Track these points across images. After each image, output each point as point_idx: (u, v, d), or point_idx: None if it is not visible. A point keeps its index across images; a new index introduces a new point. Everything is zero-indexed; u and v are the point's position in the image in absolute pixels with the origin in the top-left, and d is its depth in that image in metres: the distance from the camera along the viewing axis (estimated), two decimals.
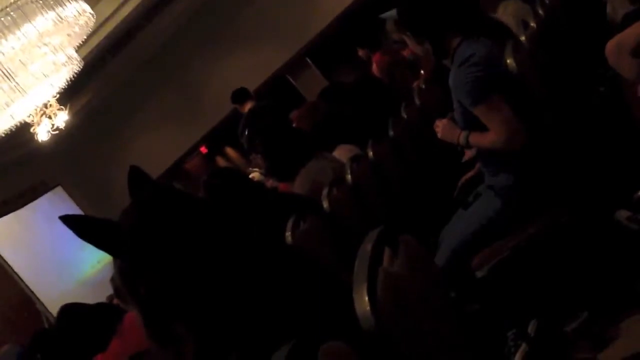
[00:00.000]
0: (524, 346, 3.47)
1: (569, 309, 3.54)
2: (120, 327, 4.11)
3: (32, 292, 10.66)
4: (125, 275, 2.08)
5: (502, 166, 3.62)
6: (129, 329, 4.05)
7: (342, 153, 5.36)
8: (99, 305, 4.56)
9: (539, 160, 3.56)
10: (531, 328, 3.53)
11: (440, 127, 3.87)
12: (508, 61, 3.61)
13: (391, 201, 4.54)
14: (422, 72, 7.40)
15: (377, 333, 1.65)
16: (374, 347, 1.64)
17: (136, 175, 2.20)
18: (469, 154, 4.34)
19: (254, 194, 4.19)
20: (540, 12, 4.78)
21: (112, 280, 3.74)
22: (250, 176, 6.85)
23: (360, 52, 9.12)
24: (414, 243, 2.04)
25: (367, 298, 1.68)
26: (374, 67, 8.58)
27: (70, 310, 4.40)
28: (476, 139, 3.60)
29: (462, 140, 3.66)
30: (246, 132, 7.95)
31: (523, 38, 4.16)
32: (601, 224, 3.68)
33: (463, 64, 3.52)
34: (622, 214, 3.68)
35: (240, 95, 8.66)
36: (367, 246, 1.84)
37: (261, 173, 6.87)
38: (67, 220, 1.97)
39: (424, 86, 6.37)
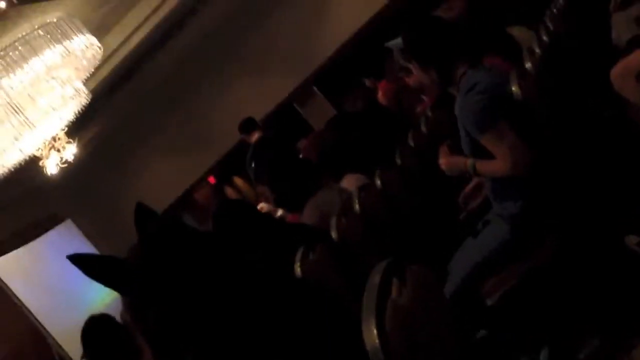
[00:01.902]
0: None
1: (580, 336, 3.53)
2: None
3: (42, 325, 10.64)
4: (134, 311, 2.08)
5: (510, 193, 3.62)
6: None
7: (350, 182, 5.37)
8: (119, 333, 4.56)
9: (546, 186, 3.56)
10: (543, 356, 3.51)
11: (444, 163, 3.88)
12: (513, 88, 3.62)
13: (400, 229, 4.53)
14: (425, 99, 7.42)
15: None
16: None
17: (142, 212, 2.21)
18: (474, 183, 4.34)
19: (262, 226, 4.19)
20: (545, 38, 4.79)
21: (122, 315, 3.75)
22: (259, 207, 6.86)
23: (367, 82, 9.14)
24: (422, 273, 2.04)
25: (375, 330, 1.68)
26: (381, 95, 8.60)
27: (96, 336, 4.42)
28: (483, 166, 3.61)
29: (469, 168, 3.67)
30: (253, 164, 7.97)
31: (528, 65, 4.16)
32: (610, 249, 3.66)
33: (468, 93, 3.53)
34: (632, 240, 3.67)
35: (247, 126, 8.67)
36: (376, 278, 1.84)
37: (270, 204, 6.87)
38: (74, 259, 1.98)
39: (430, 114, 6.38)
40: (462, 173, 3.80)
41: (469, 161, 3.65)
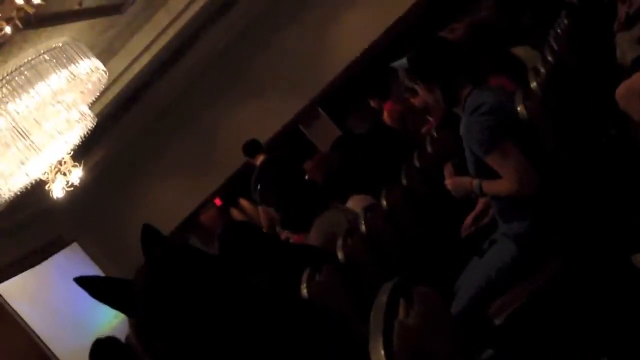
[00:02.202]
0: None
1: (587, 356, 3.51)
2: None
3: (49, 348, 10.64)
4: (140, 334, 2.08)
5: (516, 213, 3.62)
6: None
7: (355, 203, 5.36)
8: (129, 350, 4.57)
9: (552, 205, 3.56)
10: None
11: (450, 183, 3.89)
12: (519, 108, 3.62)
13: (406, 250, 4.53)
14: (430, 119, 7.43)
15: None
16: None
17: (149, 234, 2.21)
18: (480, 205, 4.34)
19: (268, 248, 4.19)
20: (550, 58, 4.80)
21: (128, 337, 3.74)
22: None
23: (372, 102, 9.17)
24: (429, 293, 2.03)
25: (383, 351, 1.68)
26: (386, 115, 8.62)
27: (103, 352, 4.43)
28: (489, 186, 3.61)
29: (475, 189, 3.67)
30: (259, 186, 7.97)
31: (534, 84, 4.17)
32: (617, 268, 3.65)
33: (474, 113, 3.54)
34: (638, 258, 3.66)
35: (251, 148, 8.67)
36: (382, 298, 1.84)
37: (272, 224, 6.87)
38: (81, 281, 1.98)
39: (435, 134, 6.38)
40: (468, 193, 3.80)
41: (475, 181, 3.66)
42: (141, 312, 2.04)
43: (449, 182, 3.93)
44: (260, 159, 8.45)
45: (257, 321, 2.05)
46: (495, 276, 3.66)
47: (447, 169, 4.36)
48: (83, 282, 1.98)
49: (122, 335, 5.04)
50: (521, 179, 3.47)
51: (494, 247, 3.76)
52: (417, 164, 5.69)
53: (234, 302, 2.05)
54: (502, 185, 3.54)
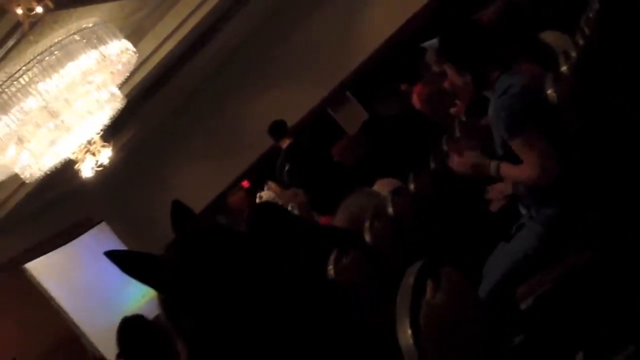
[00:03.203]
0: None
1: (615, 341, 3.50)
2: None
3: (77, 325, 10.73)
4: (169, 310, 2.09)
5: (545, 198, 3.60)
6: None
7: (382, 186, 5.36)
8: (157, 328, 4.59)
9: (581, 190, 3.54)
10: None
11: (458, 163, 3.86)
12: (548, 92, 3.60)
13: (433, 233, 4.53)
14: (458, 102, 7.39)
15: None
16: None
17: (179, 210, 2.22)
18: (499, 195, 4.32)
19: (295, 229, 4.19)
20: (581, 42, 4.76)
21: (157, 317, 3.76)
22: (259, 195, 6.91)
23: (401, 86, 9.12)
24: (456, 275, 2.04)
25: (410, 331, 1.68)
26: (415, 99, 8.58)
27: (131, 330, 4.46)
28: (508, 170, 3.60)
29: (493, 170, 3.65)
30: (286, 168, 7.97)
31: (564, 68, 4.14)
32: None
33: (502, 95, 3.53)
34: None
35: (277, 129, 8.65)
36: (410, 279, 1.84)
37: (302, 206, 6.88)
38: (111, 255, 2.00)
39: (464, 117, 6.35)
40: (481, 173, 3.77)
41: (494, 163, 3.64)
42: (170, 288, 2.05)
43: (456, 161, 3.90)
44: (287, 142, 8.45)
45: (282, 300, 2.06)
46: (522, 261, 3.65)
47: (456, 148, 4.33)
48: (114, 256, 2.00)
49: (149, 314, 5.08)
50: (542, 169, 3.45)
51: (521, 232, 3.75)
52: (445, 147, 5.67)
53: (260, 281, 2.05)
54: (522, 172, 3.53)
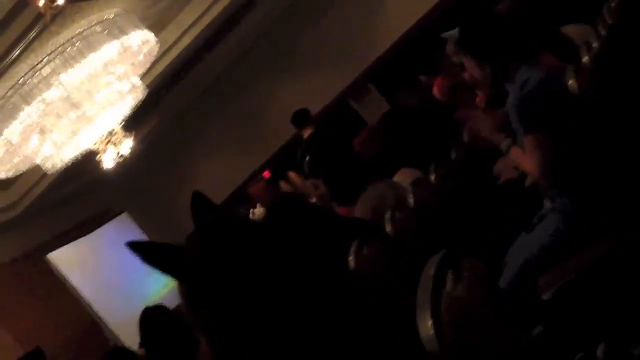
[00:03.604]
0: None
1: (638, 332, 3.48)
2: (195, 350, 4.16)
3: (99, 315, 10.80)
4: (189, 300, 2.10)
5: (565, 189, 3.60)
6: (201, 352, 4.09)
7: (403, 176, 5.36)
8: (178, 319, 4.61)
9: (603, 181, 3.53)
10: (600, 351, 3.47)
11: (475, 124, 3.88)
12: (569, 83, 3.59)
13: (454, 224, 4.52)
14: (479, 94, 7.36)
15: (441, 356, 1.65)
16: None
17: (199, 201, 2.23)
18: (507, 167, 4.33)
19: (316, 220, 4.19)
20: (603, 32, 4.73)
21: (178, 307, 3.78)
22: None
23: (422, 77, 9.09)
24: (477, 266, 2.03)
25: (430, 322, 1.68)
26: (436, 90, 8.56)
27: (153, 324, 4.48)
28: (516, 155, 3.62)
29: (504, 147, 3.67)
30: (307, 158, 7.98)
31: (585, 59, 4.11)
32: None
33: (519, 89, 3.52)
34: None
35: (300, 117, 8.65)
36: (431, 270, 1.84)
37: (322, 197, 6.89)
38: (132, 246, 2.00)
39: (483, 109, 6.33)
40: (493, 144, 3.79)
41: (508, 142, 3.65)
42: (190, 277, 2.06)
43: (474, 123, 3.92)
44: (308, 132, 8.45)
45: (301, 291, 2.06)
46: (543, 251, 3.64)
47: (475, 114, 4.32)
48: (135, 246, 2.01)
49: (170, 305, 5.10)
50: (542, 171, 3.51)
51: (543, 223, 3.74)
52: (466, 138, 5.66)
53: (279, 271, 2.06)
54: (527, 164, 3.58)
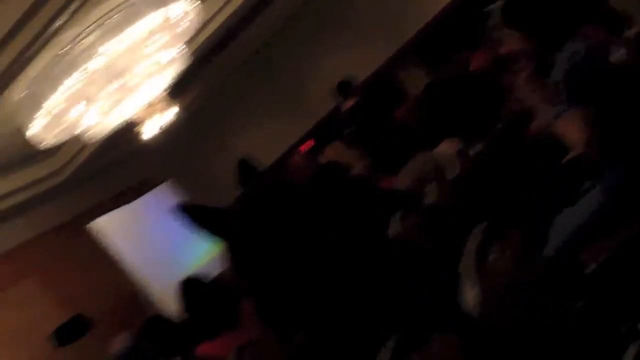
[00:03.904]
0: (635, 344, 3.40)
1: None
2: (236, 316, 4.18)
3: (141, 285, 10.91)
4: (234, 262, 2.12)
5: (611, 162, 3.56)
6: (243, 318, 4.10)
7: (446, 148, 5.34)
8: (219, 287, 4.62)
9: None
10: None
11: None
12: (618, 54, 3.54)
13: (497, 195, 4.50)
14: (522, 67, 7.29)
15: (482, 324, 1.65)
16: (478, 337, 1.64)
17: (245, 168, 2.25)
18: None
19: (357, 189, 4.20)
20: None
21: (222, 274, 3.80)
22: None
23: (465, 49, 9.03)
24: (520, 238, 2.03)
25: (473, 292, 1.68)
26: (477, 62, 8.49)
27: (193, 288, 4.51)
28: (564, 126, 3.58)
29: (550, 117, 3.64)
30: (350, 128, 7.97)
31: (632, 31, 4.07)
32: None
33: (566, 61, 3.49)
34: None
35: (345, 87, 8.65)
36: (474, 241, 1.84)
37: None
38: (181, 208, 2.02)
39: (526, 82, 6.27)
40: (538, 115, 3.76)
41: (557, 108, 3.62)
42: (237, 240, 2.07)
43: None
44: (351, 102, 8.44)
45: (342, 256, 2.07)
46: (586, 225, 3.61)
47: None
48: (185, 208, 2.03)
49: (212, 273, 5.13)
50: (589, 144, 3.44)
51: (588, 195, 3.71)
52: (508, 111, 5.63)
53: (323, 237, 2.07)
54: (573, 136, 3.53)
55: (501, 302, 1.71)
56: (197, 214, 2.02)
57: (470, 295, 1.68)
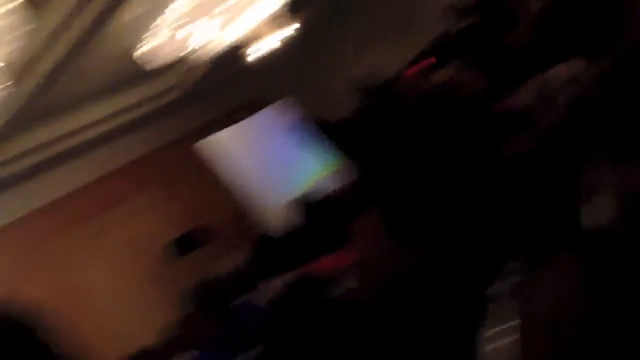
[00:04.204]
0: None
1: None
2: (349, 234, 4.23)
3: (249, 204, 11.07)
4: (361, 172, 2.16)
5: None
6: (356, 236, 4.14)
7: (559, 72, 5.23)
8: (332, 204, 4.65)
9: None
10: None
11: None
12: None
13: (611, 124, 4.39)
14: None
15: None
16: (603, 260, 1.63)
17: (366, 84, 2.28)
18: None
19: (471, 112, 4.18)
20: None
21: (335, 191, 3.81)
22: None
23: None
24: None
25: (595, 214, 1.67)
26: None
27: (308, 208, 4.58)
28: None
29: None
30: (462, 50, 7.86)
31: None
32: None
33: None
34: None
35: (456, 10, 8.52)
36: (592, 166, 1.82)
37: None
38: (306, 123, 2.06)
39: None
40: None
41: None
42: (361, 150, 2.11)
43: None
44: (464, 23, 8.30)
45: (456, 176, 2.08)
46: None
47: None
48: (311, 124, 2.07)
49: (321, 193, 5.18)
50: None
51: None
52: (629, 33, 5.44)
53: (436, 153, 2.09)
54: None
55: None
56: (323, 128, 2.06)
57: (590, 217, 1.67)
